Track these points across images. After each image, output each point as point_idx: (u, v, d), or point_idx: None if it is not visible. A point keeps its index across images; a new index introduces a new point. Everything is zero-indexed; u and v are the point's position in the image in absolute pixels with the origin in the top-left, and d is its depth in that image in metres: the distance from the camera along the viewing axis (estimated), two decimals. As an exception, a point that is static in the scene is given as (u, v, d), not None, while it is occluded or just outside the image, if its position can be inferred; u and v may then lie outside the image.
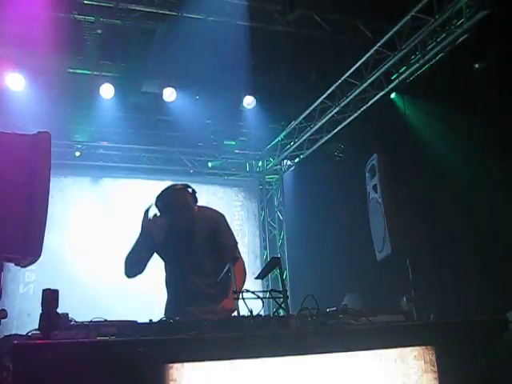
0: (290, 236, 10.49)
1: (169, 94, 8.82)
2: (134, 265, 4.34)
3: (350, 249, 7.56)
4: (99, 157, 9.66)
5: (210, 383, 2.57)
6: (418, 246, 4.62)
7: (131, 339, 2.57)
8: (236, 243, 4.47)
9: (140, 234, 4.39)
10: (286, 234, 10.61)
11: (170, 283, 4.46)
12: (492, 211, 5.82)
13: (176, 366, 2.49)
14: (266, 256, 10.31)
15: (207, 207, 4.56)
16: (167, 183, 9.72)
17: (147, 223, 4.29)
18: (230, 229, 4.51)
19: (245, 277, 4.20)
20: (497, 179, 5.78)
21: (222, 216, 4.54)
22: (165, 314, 4.01)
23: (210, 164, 10.50)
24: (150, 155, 10.01)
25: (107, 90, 8.47)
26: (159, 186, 9.65)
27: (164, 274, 4.51)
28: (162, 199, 4.27)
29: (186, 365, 2.51)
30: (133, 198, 9.60)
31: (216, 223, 4.44)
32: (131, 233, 9.12)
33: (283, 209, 10.80)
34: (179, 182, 4.53)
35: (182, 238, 4.31)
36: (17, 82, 7.91)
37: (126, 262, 4.36)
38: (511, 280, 5.54)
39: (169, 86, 8.76)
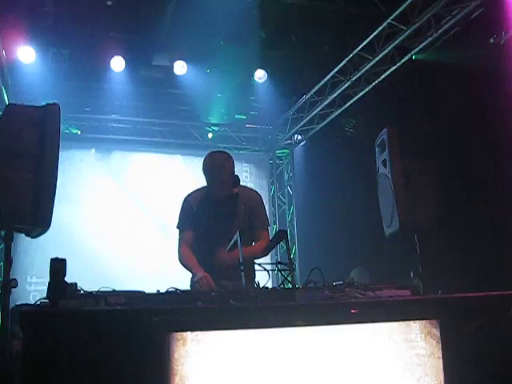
0: (299, 211, 10.49)
1: (180, 68, 8.81)
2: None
3: (359, 224, 7.57)
4: (110, 130, 9.66)
5: (213, 352, 2.60)
6: (427, 221, 4.62)
7: (136, 308, 2.62)
8: (267, 225, 4.55)
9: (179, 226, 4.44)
10: (295, 208, 10.62)
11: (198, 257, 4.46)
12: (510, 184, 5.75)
13: (180, 334, 2.53)
14: (276, 230, 10.31)
15: (246, 187, 4.61)
16: (177, 157, 9.95)
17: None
18: (264, 210, 4.60)
19: (258, 252, 4.19)
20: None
21: (260, 196, 4.63)
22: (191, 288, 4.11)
23: (210, 135, 10.43)
24: (160, 129, 10.00)
25: (118, 63, 8.47)
26: (169, 159, 9.93)
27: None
28: (205, 160, 4.32)
29: (190, 334, 2.55)
30: (143, 172, 9.68)
31: (254, 203, 4.52)
32: (141, 205, 9.26)
33: (293, 183, 10.79)
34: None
35: (220, 214, 4.34)
36: (28, 55, 7.93)
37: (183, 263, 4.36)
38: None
39: (180, 59, 8.75)
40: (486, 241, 5.92)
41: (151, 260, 8.79)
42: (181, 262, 4.34)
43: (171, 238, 4.64)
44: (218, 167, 4.27)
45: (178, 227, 4.45)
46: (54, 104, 3.47)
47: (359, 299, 3.12)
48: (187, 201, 4.47)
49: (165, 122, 9.96)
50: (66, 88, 8.34)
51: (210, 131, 10.45)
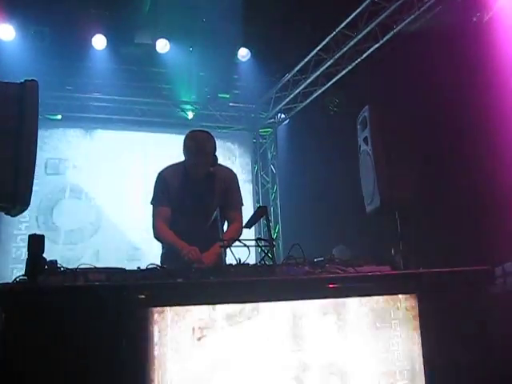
0: (282, 189, 10.52)
1: (162, 46, 8.75)
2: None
3: (342, 202, 7.59)
4: (91, 109, 9.59)
5: (192, 327, 2.62)
6: (408, 198, 4.65)
7: (114, 283, 2.61)
8: (241, 205, 4.54)
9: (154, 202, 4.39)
10: (279, 187, 10.64)
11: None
12: (489, 159, 5.78)
13: (160, 309, 2.54)
14: (269, 217, 10.29)
15: (221, 165, 4.57)
16: (160, 136, 9.92)
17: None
18: (239, 189, 4.58)
19: (236, 236, 4.12)
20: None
21: (235, 175, 4.61)
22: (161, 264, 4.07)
23: (192, 114, 10.40)
24: (142, 107, 9.94)
25: (99, 41, 8.40)
26: (152, 138, 9.89)
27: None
28: (186, 139, 4.30)
29: (170, 309, 2.56)
30: (125, 150, 9.65)
31: (229, 183, 4.50)
32: (123, 183, 9.25)
33: (276, 162, 10.80)
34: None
35: (197, 192, 4.32)
36: (7, 33, 7.83)
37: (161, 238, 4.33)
38: (508, 233, 5.58)
39: (162, 38, 8.69)
40: (467, 217, 5.98)
41: (133, 237, 8.81)
42: (157, 238, 4.29)
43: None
44: (200, 147, 4.23)
45: (152, 203, 4.40)
46: (32, 80, 3.43)
47: (338, 274, 3.15)
48: (162, 176, 4.41)
49: (147, 100, 9.91)
50: (46, 66, 8.23)
51: (192, 110, 10.39)
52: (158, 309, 2.54)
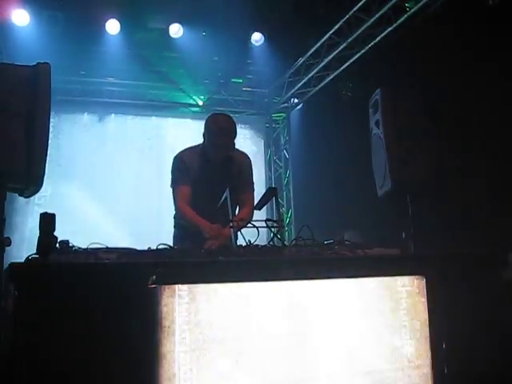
0: (295, 174, 10.52)
1: (175, 30, 8.76)
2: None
3: (354, 186, 7.59)
4: (105, 93, 9.63)
5: (201, 305, 2.66)
6: (419, 181, 4.65)
7: (124, 261, 2.66)
8: (253, 190, 4.56)
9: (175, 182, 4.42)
10: (291, 172, 10.64)
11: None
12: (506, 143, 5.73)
13: (169, 287, 2.58)
14: (278, 198, 10.31)
15: (238, 150, 4.59)
16: (173, 120, 9.94)
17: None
18: (252, 174, 4.61)
19: (247, 218, 4.17)
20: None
21: (250, 160, 4.64)
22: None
23: (205, 99, 10.39)
24: (156, 92, 9.96)
25: (113, 26, 8.42)
26: (165, 122, 9.89)
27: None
28: (209, 121, 4.32)
29: (179, 286, 2.60)
30: (139, 134, 9.70)
31: (244, 167, 4.54)
32: (136, 168, 9.31)
33: (289, 147, 10.79)
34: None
35: (215, 175, 4.33)
36: (22, 18, 7.88)
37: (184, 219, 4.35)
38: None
39: (175, 22, 8.70)
40: (482, 202, 5.95)
41: (147, 221, 8.87)
42: (181, 218, 4.34)
43: (167, 199, 4.64)
44: (224, 130, 4.27)
45: (171, 185, 4.43)
46: (45, 63, 3.47)
47: (346, 255, 3.17)
48: (180, 158, 4.44)
49: (160, 85, 9.90)
50: (60, 51, 8.24)
51: (206, 94, 10.40)
52: (167, 286, 2.58)
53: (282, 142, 10.98)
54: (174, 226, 4.60)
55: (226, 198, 3.32)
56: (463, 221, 5.93)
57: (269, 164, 10.80)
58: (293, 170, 10.62)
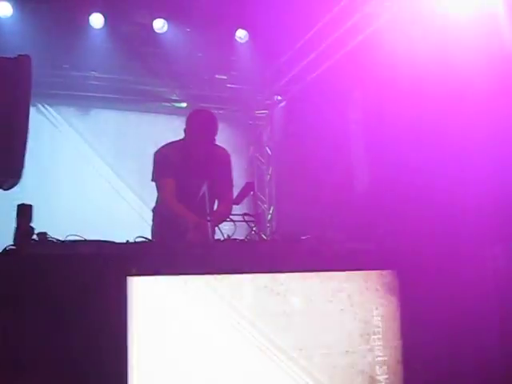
0: (278, 171, 10.56)
1: (160, 26, 8.76)
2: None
3: (335, 182, 7.62)
4: (88, 87, 9.58)
5: (172, 296, 2.70)
6: (397, 178, 4.71)
7: (100, 253, 2.68)
8: (232, 186, 4.59)
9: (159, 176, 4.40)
10: (274, 169, 10.68)
11: (162, 213, 4.51)
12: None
13: (141, 278, 2.61)
14: (256, 192, 10.38)
15: (217, 145, 4.62)
16: (156, 116, 9.93)
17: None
18: (231, 170, 4.64)
19: (225, 214, 4.19)
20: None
21: (229, 155, 4.67)
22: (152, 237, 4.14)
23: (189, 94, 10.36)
24: (139, 87, 9.93)
25: (97, 20, 8.40)
26: (148, 117, 9.88)
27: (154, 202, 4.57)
28: (192, 117, 4.34)
29: (151, 278, 2.64)
30: (121, 130, 9.69)
31: (224, 163, 4.57)
32: (118, 163, 9.30)
33: (272, 144, 10.83)
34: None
35: (196, 170, 4.35)
36: (4, 10, 7.83)
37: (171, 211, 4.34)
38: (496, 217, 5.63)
39: (160, 18, 8.70)
40: (457, 200, 6.02)
41: (126, 216, 8.88)
42: (167, 210, 4.36)
43: (148, 196, 4.66)
44: (206, 126, 4.30)
45: (154, 178, 4.45)
46: (25, 55, 3.48)
47: (320, 249, 3.22)
48: (162, 152, 4.47)
49: (144, 80, 9.86)
50: (43, 44, 8.18)
51: (189, 90, 10.39)
52: (143, 278, 2.61)
53: (265, 138, 11.01)
54: (153, 220, 4.63)
55: (204, 192, 3.35)
56: (440, 216, 6.00)
57: (251, 161, 10.83)
58: (275, 166, 10.66)
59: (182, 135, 4.50)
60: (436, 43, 6.06)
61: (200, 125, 4.29)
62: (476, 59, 5.46)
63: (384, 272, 3.15)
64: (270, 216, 10.22)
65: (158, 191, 4.48)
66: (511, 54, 4.95)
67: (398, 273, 3.16)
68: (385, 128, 4.62)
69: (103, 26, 8.47)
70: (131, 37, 8.88)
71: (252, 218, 3.30)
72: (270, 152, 10.87)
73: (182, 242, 3.13)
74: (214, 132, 4.35)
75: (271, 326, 2.96)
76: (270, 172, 10.76)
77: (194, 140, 4.32)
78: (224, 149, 4.72)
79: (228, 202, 4.35)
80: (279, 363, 2.96)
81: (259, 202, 10.52)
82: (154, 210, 4.65)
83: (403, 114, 6.00)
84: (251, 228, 3.26)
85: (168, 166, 4.38)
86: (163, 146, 4.53)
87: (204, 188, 3.39)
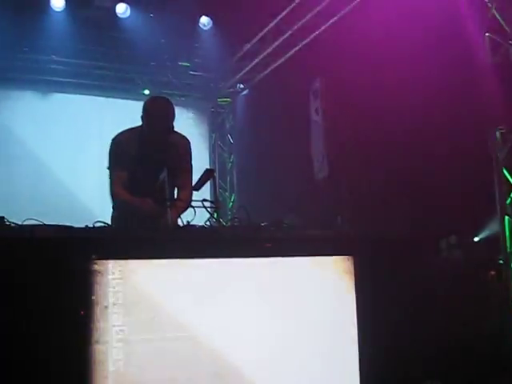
0: (239, 159, 10.61)
1: (122, 10, 8.67)
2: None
3: (296, 171, 7.70)
4: (48, 71, 9.44)
5: (133, 280, 2.72)
6: (356, 167, 4.79)
7: (55, 236, 2.67)
8: (191, 173, 4.58)
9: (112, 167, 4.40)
10: (235, 157, 10.73)
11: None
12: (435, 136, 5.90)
13: (102, 262, 2.63)
14: (216, 179, 10.41)
15: (176, 132, 4.58)
16: (117, 101, 9.83)
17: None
18: (191, 157, 4.63)
19: (186, 201, 4.21)
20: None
21: (189, 142, 4.65)
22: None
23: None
24: (101, 72, 9.80)
25: (58, 2, 8.28)
26: (109, 103, 9.78)
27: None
28: (147, 104, 4.31)
29: (112, 262, 2.65)
30: (81, 115, 9.58)
31: (183, 150, 4.55)
32: (77, 148, 9.20)
33: (234, 132, 10.87)
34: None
35: (154, 157, 4.33)
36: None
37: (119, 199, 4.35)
38: (455, 206, 5.76)
39: (122, 2, 8.61)
40: (416, 191, 6.14)
41: (87, 201, 8.82)
42: (115, 200, 4.35)
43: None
44: (162, 113, 4.27)
45: (108, 168, 4.43)
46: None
47: (276, 235, 3.27)
48: (118, 140, 4.42)
49: (106, 65, 9.75)
50: (2, 26, 8.07)
51: (152, 77, 10.33)
52: (100, 261, 2.62)
53: (227, 126, 11.04)
54: (113, 207, 4.61)
55: (163, 179, 3.36)
56: (399, 205, 6.11)
57: (213, 148, 10.86)
58: (237, 154, 10.70)
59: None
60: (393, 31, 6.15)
61: (156, 112, 4.27)
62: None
63: (341, 258, 3.22)
64: (231, 204, 10.27)
65: (109, 181, 4.46)
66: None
67: (355, 259, 3.22)
68: (344, 117, 4.67)
69: (64, 9, 8.33)
70: (93, 20, 8.75)
71: (211, 205, 3.33)
72: (231, 140, 10.89)
73: (142, 227, 3.13)
74: (170, 119, 4.32)
75: (229, 309, 3.01)
76: (231, 160, 10.79)
77: (150, 127, 4.29)
78: (183, 136, 4.69)
79: (187, 190, 4.35)
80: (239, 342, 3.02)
81: (221, 190, 10.59)
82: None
83: (363, 103, 6.10)
84: (210, 214, 3.29)
85: (122, 155, 4.34)
86: (120, 133, 4.49)
87: (163, 174, 3.39)
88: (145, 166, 4.29)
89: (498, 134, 4.56)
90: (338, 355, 3.27)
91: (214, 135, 10.94)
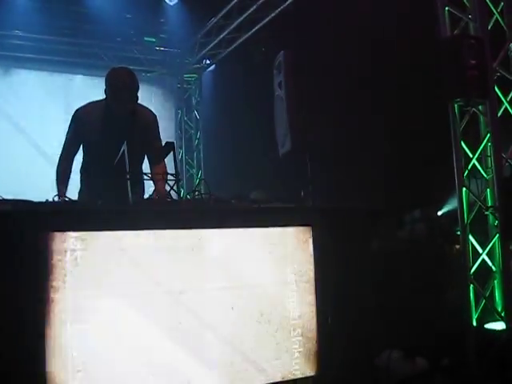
0: (206, 136, 10.59)
1: (87, -15, 8.55)
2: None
3: (261, 147, 7.73)
4: (10, 47, 9.24)
5: (92, 251, 2.74)
6: (318, 142, 4.83)
7: (11, 209, 2.67)
8: (161, 145, 4.58)
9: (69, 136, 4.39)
10: (202, 133, 10.71)
11: (88, 174, 4.46)
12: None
13: (60, 234, 2.64)
14: (182, 155, 10.46)
15: (142, 105, 4.56)
16: (82, 77, 9.69)
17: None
18: (159, 130, 4.62)
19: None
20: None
21: (155, 116, 4.64)
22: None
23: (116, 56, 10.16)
24: (65, 47, 9.65)
25: (20, -24, 8.13)
26: (73, 79, 9.63)
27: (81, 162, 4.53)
28: (109, 75, 4.28)
29: (70, 234, 2.67)
30: (44, 91, 9.44)
31: (151, 124, 4.54)
32: (40, 123, 9.07)
33: (200, 108, 10.83)
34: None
35: (118, 132, 4.29)
36: None
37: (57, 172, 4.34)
38: (420, 180, 5.85)
39: (87, -25, 8.50)
40: (378, 161, 6.23)
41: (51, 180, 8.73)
42: (56, 171, 4.35)
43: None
44: (124, 83, 4.23)
45: (64, 140, 4.43)
46: None
47: (234, 206, 3.31)
48: (77, 115, 4.37)
49: (70, 40, 9.56)
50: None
51: (117, 52, 10.21)
52: (58, 233, 2.63)
53: (194, 103, 10.98)
54: (80, 182, 4.59)
55: (123, 151, 3.36)
56: (361, 180, 6.19)
57: (180, 125, 10.79)
58: (203, 131, 10.68)
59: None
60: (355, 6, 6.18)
61: (118, 83, 4.23)
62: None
63: (299, 228, 3.27)
64: (198, 180, 10.26)
65: (61, 151, 4.45)
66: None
67: (313, 229, 3.28)
68: (307, 91, 4.70)
69: (28, -17, 8.18)
70: (57, -6, 8.61)
71: (172, 178, 3.34)
72: (198, 116, 10.85)
73: (103, 201, 3.13)
74: (134, 88, 4.30)
75: (192, 279, 3.04)
76: (198, 136, 10.76)
77: (114, 99, 4.26)
78: (149, 109, 4.67)
79: (162, 161, 4.35)
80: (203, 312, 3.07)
81: (187, 167, 10.58)
82: (81, 171, 4.59)
83: (326, 76, 6.14)
84: (171, 187, 3.30)
85: (77, 131, 4.34)
86: (83, 106, 4.44)
87: (123, 147, 3.38)
88: (109, 138, 4.26)
89: (455, 106, 4.62)
90: (298, 326, 3.33)
91: (180, 111, 10.87)
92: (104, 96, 4.41)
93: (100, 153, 4.29)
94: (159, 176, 3.86)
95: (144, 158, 4.47)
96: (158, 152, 4.44)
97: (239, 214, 3.17)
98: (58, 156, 4.42)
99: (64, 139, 4.42)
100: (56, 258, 2.64)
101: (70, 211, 2.78)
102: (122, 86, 4.18)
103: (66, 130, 4.44)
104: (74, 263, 2.67)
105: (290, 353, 3.31)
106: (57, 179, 4.31)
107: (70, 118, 4.40)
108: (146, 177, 3.59)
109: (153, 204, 3.13)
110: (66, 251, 2.65)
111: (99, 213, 2.80)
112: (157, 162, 4.43)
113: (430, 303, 4.99)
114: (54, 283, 2.63)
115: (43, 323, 2.61)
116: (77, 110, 4.41)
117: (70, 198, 3.29)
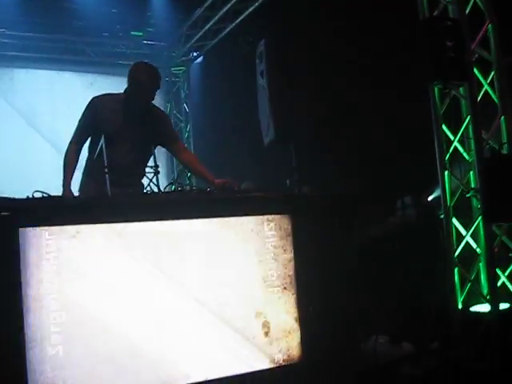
0: (196, 128, 10.58)
1: (73, -20, 8.51)
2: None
3: (250, 138, 7.72)
4: (-4, 45, 9.24)
5: (68, 246, 2.75)
6: (302, 130, 4.83)
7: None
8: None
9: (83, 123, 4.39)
10: (192, 126, 10.69)
11: (94, 165, 4.42)
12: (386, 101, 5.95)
13: (34, 229, 2.64)
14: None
15: (154, 105, 4.60)
16: (68, 74, 9.66)
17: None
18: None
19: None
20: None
21: (169, 117, 4.78)
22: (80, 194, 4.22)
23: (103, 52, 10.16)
24: (51, 44, 9.61)
25: (3, -29, 8.08)
26: (60, 76, 9.60)
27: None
28: (138, 69, 4.30)
29: (45, 228, 2.67)
30: (32, 89, 9.39)
31: (165, 120, 4.71)
32: (29, 123, 9.03)
33: (189, 101, 10.83)
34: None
35: (136, 124, 4.31)
36: None
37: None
38: (407, 163, 5.85)
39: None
40: (364, 148, 6.22)
41: (37, 176, 8.70)
42: (63, 160, 4.34)
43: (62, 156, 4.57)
44: (153, 79, 4.28)
45: (76, 128, 4.42)
46: None
47: (216, 196, 3.32)
48: (93, 103, 4.36)
49: (56, 37, 9.55)
50: None
51: (104, 47, 10.18)
52: (32, 228, 2.64)
53: (183, 95, 10.98)
54: (83, 173, 4.57)
55: (101, 146, 3.36)
56: (346, 167, 6.19)
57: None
58: (193, 123, 10.67)
59: (95, 94, 4.44)
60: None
61: (148, 74, 4.27)
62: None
63: (279, 217, 3.28)
64: (189, 173, 10.25)
65: (70, 139, 4.42)
66: None
67: (293, 218, 3.29)
68: (289, 79, 4.69)
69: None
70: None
71: (151, 170, 3.36)
72: (187, 109, 10.85)
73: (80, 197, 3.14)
74: (158, 84, 4.35)
75: (176, 271, 3.05)
76: (188, 129, 10.75)
77: (140, 89, 4.24)
78: (160, 108, 4.88)
79: (188, 150, 4.51)
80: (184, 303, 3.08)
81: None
82: (87, 163, 4.56)
83: (309, 64, 6.12)
84: (149, 179, 3.32)
85: (91, 121, 4.30)
86: (102, 95, 4.43)
87: (101, 142, 3.38)
88: (125, 131, 4.25)
89: (435, 89, 4.62)
90: (270, 311, 3.34)
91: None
92: (95, 94, 4.43)
93: (114, 144, 4.21)
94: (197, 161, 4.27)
95: (150, 157, 4.40)
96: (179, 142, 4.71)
97: (215, 204, 3.18)
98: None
99: (76, 126, 4.40)
100: (31, 253, 2.64)
101: (43, 207, 2.77)
102: (150, 82, 4.25)
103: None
104: (50, 258, 2.68)
105: (274, 340, 3.33)
106: (64, 164, 4.30)
107: (84, 109, 4.37)
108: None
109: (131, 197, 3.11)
110: (41, 246, 2.65)
111: (78, 206, 2.80)
112: (184, 150, 4.78)
113: (417, 289, 5.01)
114: (30, 279, 2.64)
115: (20, 321, 2.61)
116: (94, 99, 4.39)
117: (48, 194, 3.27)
